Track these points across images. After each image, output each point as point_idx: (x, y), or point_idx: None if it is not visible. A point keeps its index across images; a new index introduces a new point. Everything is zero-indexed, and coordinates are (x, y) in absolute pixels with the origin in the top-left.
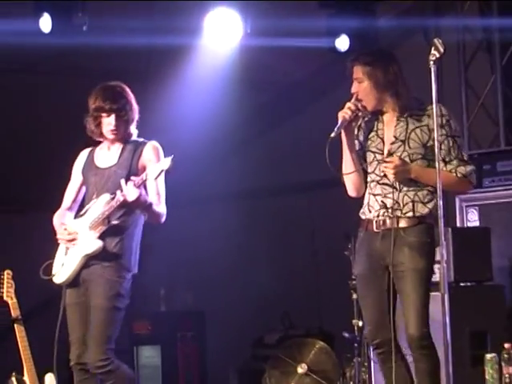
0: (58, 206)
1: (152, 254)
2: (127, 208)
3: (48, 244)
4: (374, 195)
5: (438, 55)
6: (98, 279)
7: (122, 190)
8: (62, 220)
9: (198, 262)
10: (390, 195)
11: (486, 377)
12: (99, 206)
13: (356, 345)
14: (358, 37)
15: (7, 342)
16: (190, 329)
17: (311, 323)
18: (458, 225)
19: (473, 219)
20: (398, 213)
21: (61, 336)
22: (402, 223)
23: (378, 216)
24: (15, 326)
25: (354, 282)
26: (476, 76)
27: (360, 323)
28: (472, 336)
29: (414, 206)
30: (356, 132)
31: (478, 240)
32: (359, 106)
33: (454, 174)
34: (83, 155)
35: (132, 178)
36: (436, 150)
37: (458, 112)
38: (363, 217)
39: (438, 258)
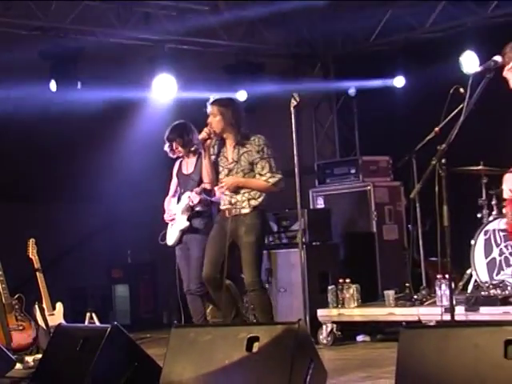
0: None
1: (119, 221)
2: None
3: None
4: (225, 195)
5: (295, 103)
6: (193, 242)
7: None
8: (169, 205)
9: (153, 227)
10: (234, 196)
11: (329, 300)
12: (184, 199)
13: None
14: (251, 91)
15: (32, 284)
16: (147, 274)
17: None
18: (311, 207)
19: (320, 203)
20: (240, 205)
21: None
22: (243, 211)
23: (227, 208)
24: (37, 273)
25: None
26: (321, 115)
27: None
28: (320, 275)
29: (249, 201)
30: (212, 150)
31: (323, 216)
32: (211, 131)
33: (266, 182)
34: (177, 164)
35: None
36: (296, 161)
37: (310, 137)
38: (220, 207)
39: (295, 227)
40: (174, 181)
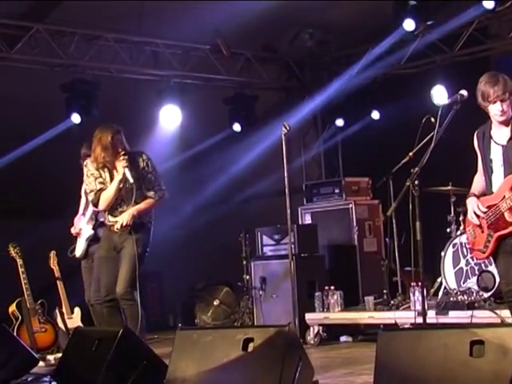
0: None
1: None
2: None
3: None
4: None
5: (286, 131)
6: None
7: None
8: (78, 222)
9: (158, 241)
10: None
11: (316, 305)
12: (89, 211)
13: (245, 289)
14: (245, 123)
15: (53, 291)
16: (154, 282)
17: (221, 278)
18: (300, 223)
19: (308, 219)
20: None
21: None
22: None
23: (116, 221)
24: (57, 282)
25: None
26: (309, 142)
27: (247, 277)
28: (307, 283)
29: (139, 218)
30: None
31: (310, 231)
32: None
33: (153, 198)
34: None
35: None
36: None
37: (299, 161)
38: (106, 222)
39: (286, 241)
40: (83, 200)
